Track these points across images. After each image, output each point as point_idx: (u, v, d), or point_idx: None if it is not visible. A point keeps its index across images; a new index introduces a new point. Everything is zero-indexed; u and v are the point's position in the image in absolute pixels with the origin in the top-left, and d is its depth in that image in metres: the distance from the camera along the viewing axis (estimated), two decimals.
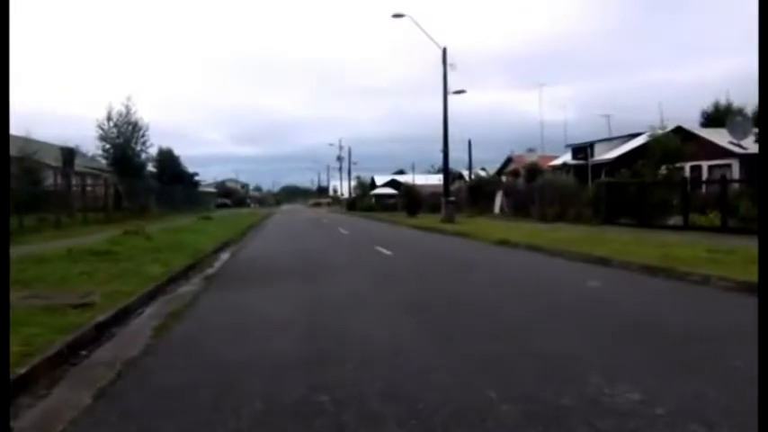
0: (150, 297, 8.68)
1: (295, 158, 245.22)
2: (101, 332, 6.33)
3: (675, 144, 25.62)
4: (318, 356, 5.31)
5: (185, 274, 11.57)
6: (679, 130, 29.34)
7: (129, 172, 44.85)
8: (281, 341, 5.97)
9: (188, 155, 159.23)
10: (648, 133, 27.98)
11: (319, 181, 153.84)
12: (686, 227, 19.93)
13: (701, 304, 7.82)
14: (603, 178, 29.58)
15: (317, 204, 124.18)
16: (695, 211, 20.52)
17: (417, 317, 7.10)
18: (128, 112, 49.79)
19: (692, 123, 36.78)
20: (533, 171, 41.01)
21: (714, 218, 19.42)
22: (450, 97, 31.65)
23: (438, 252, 16.53)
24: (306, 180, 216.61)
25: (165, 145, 68.48)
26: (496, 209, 38.80)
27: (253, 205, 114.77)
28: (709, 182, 24.94)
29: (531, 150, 55.33)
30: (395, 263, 13.60)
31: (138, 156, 51.39)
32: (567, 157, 42.61)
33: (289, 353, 5.47)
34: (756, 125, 22.24)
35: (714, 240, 14.83)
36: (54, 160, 33.07)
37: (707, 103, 42.33)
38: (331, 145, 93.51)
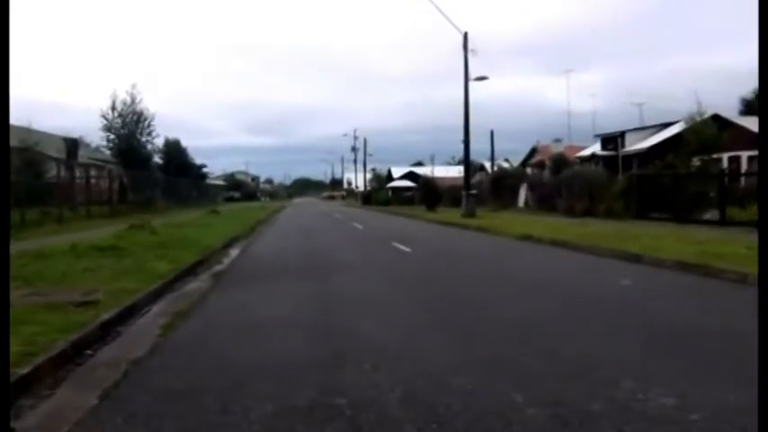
0: (157, 295, 8.76)
1: (308, 150, 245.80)
2: (106, 331, 6.39)
3: (712, 133, 25.33)
4: (333, 357, 5.33)
5: (193, 270, 11.66)
6: (716, 118, 28.91)
7: (135, 164, 45.29)
8: (293, 341, 6.00)
9: (195, 146, 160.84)
10: (684, 121, 27.69)
11: (333, 173, 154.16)
12: (723, 222, 19.71)
13: (739, 304, 7.73)
14: (635, 170, 29.34)
15: (331, 197, 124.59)
16: (734, 205, 20.28)
17: (437, 317, 7.10)
18: (133, 102, 50.30)
19: (731, 111, 36.33)
20: (560, 162, 40.81)
21: (754, 212, 19.18)
22: (472, 85, 31.51)
23: (458, 248, 16.50)
24: (319, 172, 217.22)
25: (171, 135, 69.11)
26: (521, 202, 38.64)
27: (263, 199, 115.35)
28: (749, 174, 24.60)
29: (557, 141, 55.01)
30: (413, 260, 13.60)
31: (144, 147, 51.90)
32: (595, 148, 42.31)
33: (301, 353, 5.50)
34: None
35: (754, 236, 14.64)
36: (56, 151, 33.45)
37: (746, 90, 41.74)
38: (345, 135, 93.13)
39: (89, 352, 5.71)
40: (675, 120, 33.40)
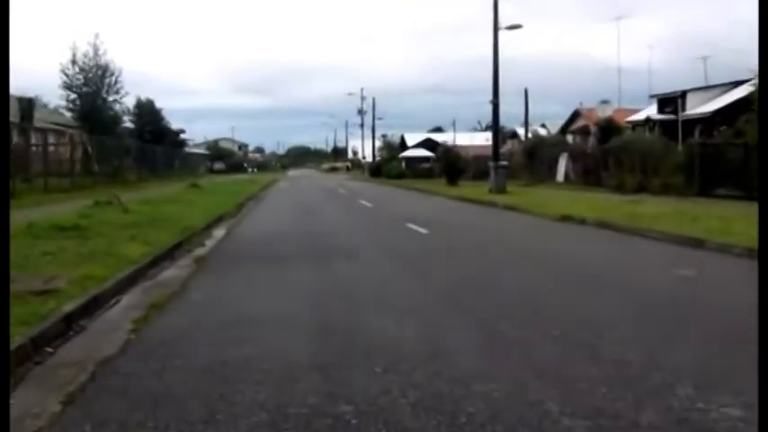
0: (128, 283, 8.84)
1: (305, 113, 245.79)
2: (69, 325, 6.47)
3: None
4: (337, 358, 5.38)
5: (171, 254, 11.74)
6: None
7: (100, 128, 45.36)
8: (290, 340, 6.05)
9: (172, 107, 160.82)
10: (754, 81, 27.38)
11: (335, 140, 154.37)
12: None
13: None
14: (698, 138, 29.15)
15: (333, 169, 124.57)
16: None
17: (459, 312, 7.13)
18: (96, 54, 50.20)
19: None
20: (608, 129, 40.62)
21: None
22: (502, 35, 31.32)
23: (484, 230, 16.51)
24: (319, 139, 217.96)
25: (143, 95, 69.15)
26: (560, 176, 38.54)
27: (251, 170, 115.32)
28: None
29: (604, 102, 54.59)
30: (431, 244, 13.63)
31: (111, 108, 52.00)
32: (651, 111, 42.00)
33: (299, 354, 5.55)
34: None
35: None
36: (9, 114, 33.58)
37: None
38: (350, 95, 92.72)
39: (49, 349, 5.79)
40: (747, 78, 33.02)
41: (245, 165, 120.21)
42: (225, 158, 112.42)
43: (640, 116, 43.00)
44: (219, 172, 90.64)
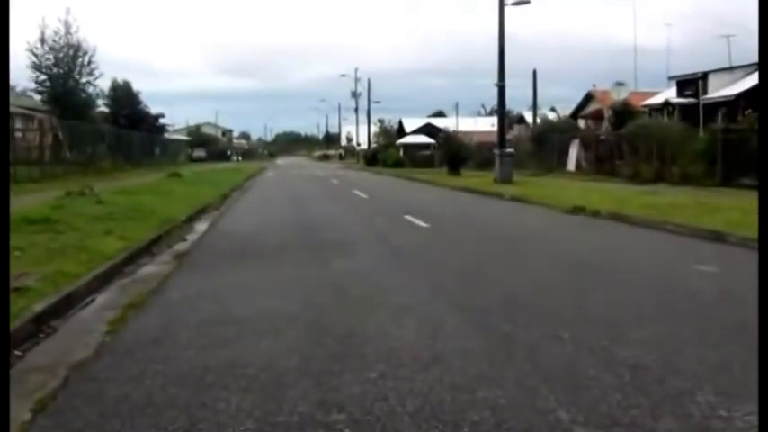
0: (103, 280, 8.84)
1: (295, 96, 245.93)
2: (39, 326, 6.47)
3: None
4: (329, 363, 5.38)
5: (149, 250, 11.75)
6: None
7: (72, 112, 45.20)
8: (278, 341, 6.06)
9: (151, 90, 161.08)
10: None
11: (328, 126, 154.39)
12: None
13: None
14: (720, 123, 29.14)
15: (325, 157, 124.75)
16: None
17: (462, 311, 7.13)
18: (67, 31, 49.95)
19: None
20: (623, 113, 40.54)
21: None
22: (509, 11, 31.31)
23: (489, 223, 16.53)
24: (310, 125, 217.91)
25: (119, 77, 69.01)
26: (571, 164, 38.58)
27: (236, 158, 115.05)
28: None
29: (619, 84, 54.51)
30: (431, 238, 13.64)
31: (84, 90, 51.78)
32: (669, 94, 41.98)
33: (288, 357, 5.55)
34: None
35: None
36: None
37: None
38: (343, 77, 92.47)
39: (18, 353, 5.79)
40: None
41: (229, 152, 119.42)
42: (208, 145, 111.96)
43: (658, 99, 42.97)
44: (200, 160, 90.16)
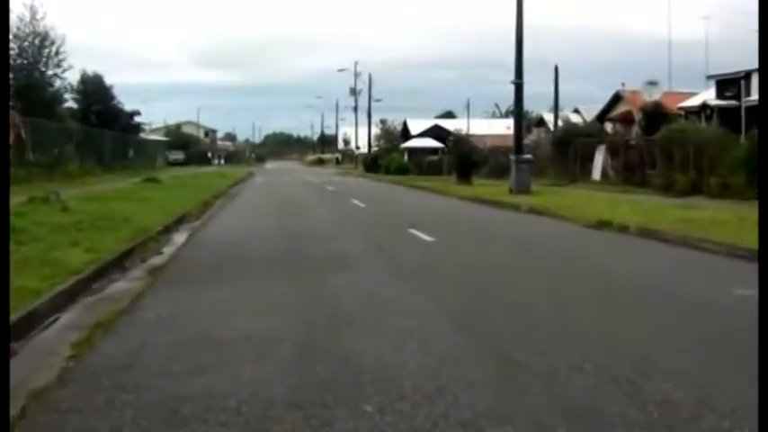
0: (68, 298, 8.83)
1: (287, 92, 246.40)
2: None
3: None
4: (321, 394, 5.36)
5: (120, 263, 11.75)
6: None
7: (37, 108, 45.19)
8: (264, 369, 6.04)
9: (125, 84, 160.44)
10: None
11: (323, 127, 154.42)
12: None
13: None
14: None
15: (320, 161, 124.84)
16: None
17: (470, 336, 7.12)
18: (33, 18, 50.04)
19: None
20: (655, 116, 40.67)
21: None
22: (528, 0, 31.31)
23: (503, 237, 16.52)
24: (304, 125, 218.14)
25: (90, 69, 68.99)
26: (596, 173, 38.58)
27: (217, 161, 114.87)
28: None
29: (651, 84, 54.67)
30: (438, 254, 13.63)
31: (51, 84, 51.80)
32: (707, 95, 42.08)
33: (275, 387, 5.54)
34: None
35: None
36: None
37: None
38: (342, 71, 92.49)
39: None
40: None
41: (210, 155, 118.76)
42: (189, 147, 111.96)
43: (695, 101, 43.06)
44: (177, 164, 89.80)
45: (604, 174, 37.91)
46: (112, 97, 70.63)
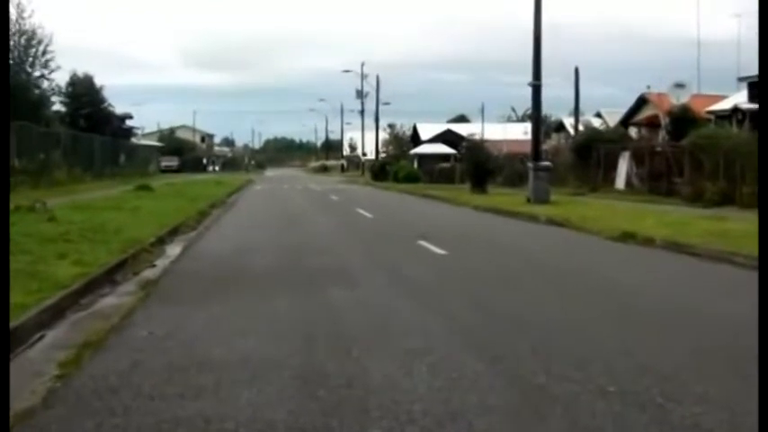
0: (55, 313, 8.83)
1: (289, 95, 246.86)
2: None
3: None
4: (324, 419, 5.35)
5: (111, 277, 11.75)
6: None
7: (22, 111, 45.30)
8: (263, 392, 6.03)
9: (116, 85, 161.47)
10: None
11: (328, 132, 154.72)
12: None
13: None
14: None
15: (324, 168, 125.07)
16: None
17: (485, 358, 7.09)
18: (20, 16, 50.31)
19: None
20: (683, 120, 40.56)
21: None
22: None
23: (520, 251, 16.47)
24: (307, 130, 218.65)
25: (80, 70, 69.22)
26: (620, 182, 38.54)
27: (212, 168, 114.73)
28: None
29: (679, 86, 54.56)
30: (450, 269, 13.60)
31: (38, 85, 52.01)
32: (739, 98, 41.98)
33: (275, 411, 5.53)
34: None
35: None
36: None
37: None
38: (347, 72, 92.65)
39: None
40: None
41: (205, 161, 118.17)
42: (184, 152, 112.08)
43: (725, 105, 42.99)
44: (170, 170, 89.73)
45: (628, 182, 37.86)
46: (103, 100, 70.87)
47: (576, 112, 56.32)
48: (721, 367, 6.84)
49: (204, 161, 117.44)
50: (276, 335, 8.14)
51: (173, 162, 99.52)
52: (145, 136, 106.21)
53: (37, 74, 51.65)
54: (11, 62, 49.68)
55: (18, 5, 50.03)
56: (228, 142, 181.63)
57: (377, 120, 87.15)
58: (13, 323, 7.69)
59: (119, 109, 76.34)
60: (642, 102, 55.60)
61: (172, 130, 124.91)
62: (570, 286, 11.69)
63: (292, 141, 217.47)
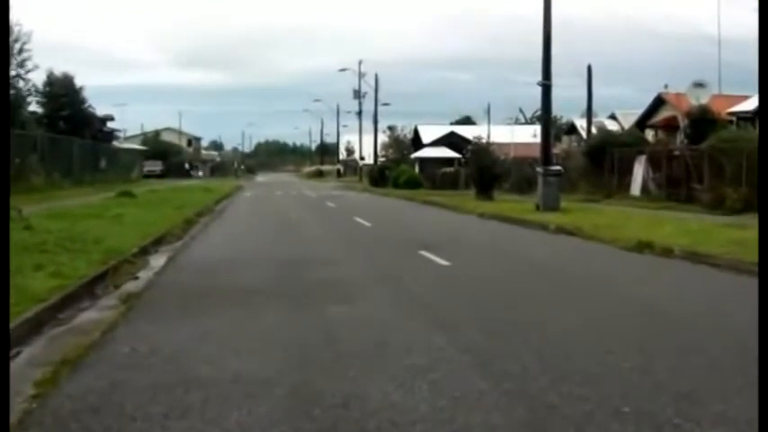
0: (31, 329, 8.83)
1: (282, 95, 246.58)
2: None
3: None
4: None
5: (91, 290, 11.76)
6: None
7: None
8: (253, 413, 6.03)
9: (99, 85, 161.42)
10: None
11: (323, 134, 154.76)
12: None
13: None
14: None
15: (319, 174, 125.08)
16: None
17: (491, 375, 7.09)
18: None
19: None
20: (702, 122, 40.55)
21: None
22: None
23: (528, 261, 16.48)
24: (300, 133, 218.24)
25: (58, 69, 69.19)
26: (635, 188, 38.51)
27: (196, 173, 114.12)
28: None
29: (699, 86, 54.59)
30: (454, 280, 13.61)
31: (13, 85, 51.95)
32: None
33: None
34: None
35: None
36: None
37: None
38: (344, 71, 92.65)
39: None
40: None
41: (187, 166, 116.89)
42: (169, 157, 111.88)
43: (748, 105, 42.97)
44: (153, 176, 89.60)
45: (644, 188, 37.81)
46: (83, 101, 70.82)
47: (589, 114, 56.28)
48: (742, 386, 6.83)
49: (186, 166, 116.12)
50: (268, 351, 8.14)
51: (156, 167, 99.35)
52: (127, 139, 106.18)
53: (13, 73, 51.61)
54: None
55: None
56: (217, 146, 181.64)
57: (375, 121, 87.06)
58: None
59: (100, 110, 76.40)
60: (659, 102, 55.62)
61: (156, 133, 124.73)
62: (582, 300, 11.69)
63: (285, 145, 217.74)
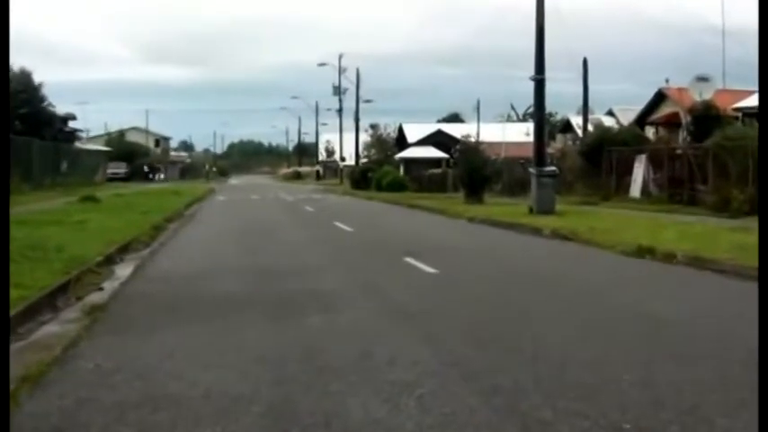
0: None
1: (256, 91, 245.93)
2: None
3: None
4: None
5: (52, 302, 11.71)
6: None
7: None
8: None
9: (60, 81, 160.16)
10: None
11: (300, 134, 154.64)
12: None
13: None
14: None
15: (296, 176, 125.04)
16: None
17: (481, 390, 7.11)
18: None
19: None
20: (706, 118, 40.68)
21: None
22: None
23: (521, 269, 16.52)
24: (277, 132, 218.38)
25: (15, 64, 68.89)
26: (635, 189, 38.61)
27: (158, 176, 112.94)
28: None
29: (702, 80, 54.78)
30: (440, 290, 13.62)
31: None
32: None
33: None
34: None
35: None
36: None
37: None
38: (323, 65, 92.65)
39: None
40: None
41: (146, 169, 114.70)
42: (135, 158, 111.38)
43: (754, 101, 43.12)
44: (117, 179, 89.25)
45: (645, 190, 37.89)
46: (42, 99, 70.41)
47: (585, 110, 56.48)
48: (751, 398, 6.87)
49: (146, 168, 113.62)
50: (243, 367, 8.14)
51: (120, 169, 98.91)
52: (91, 140, 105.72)
53: None
54: None
55: None
56: (187, 146, 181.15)
57: (357, 119, 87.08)
58: None
59: (61, 109, 75.92)
60: (660, 98, 55.78)
61: (121, 133, 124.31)
62: (579, 309, 11.71)
63: (260, 145, 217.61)
